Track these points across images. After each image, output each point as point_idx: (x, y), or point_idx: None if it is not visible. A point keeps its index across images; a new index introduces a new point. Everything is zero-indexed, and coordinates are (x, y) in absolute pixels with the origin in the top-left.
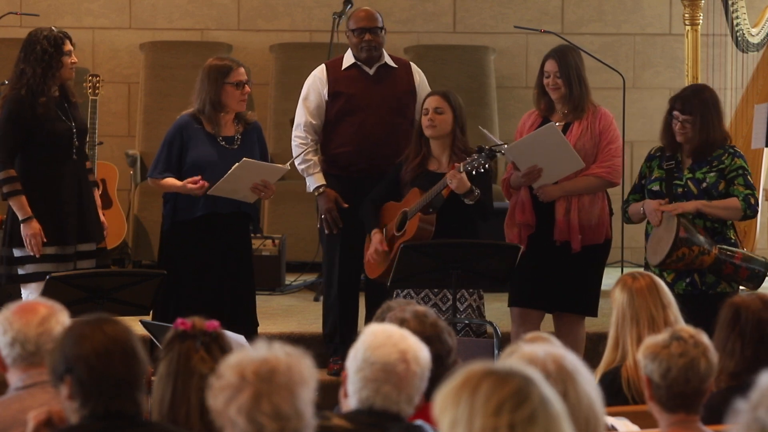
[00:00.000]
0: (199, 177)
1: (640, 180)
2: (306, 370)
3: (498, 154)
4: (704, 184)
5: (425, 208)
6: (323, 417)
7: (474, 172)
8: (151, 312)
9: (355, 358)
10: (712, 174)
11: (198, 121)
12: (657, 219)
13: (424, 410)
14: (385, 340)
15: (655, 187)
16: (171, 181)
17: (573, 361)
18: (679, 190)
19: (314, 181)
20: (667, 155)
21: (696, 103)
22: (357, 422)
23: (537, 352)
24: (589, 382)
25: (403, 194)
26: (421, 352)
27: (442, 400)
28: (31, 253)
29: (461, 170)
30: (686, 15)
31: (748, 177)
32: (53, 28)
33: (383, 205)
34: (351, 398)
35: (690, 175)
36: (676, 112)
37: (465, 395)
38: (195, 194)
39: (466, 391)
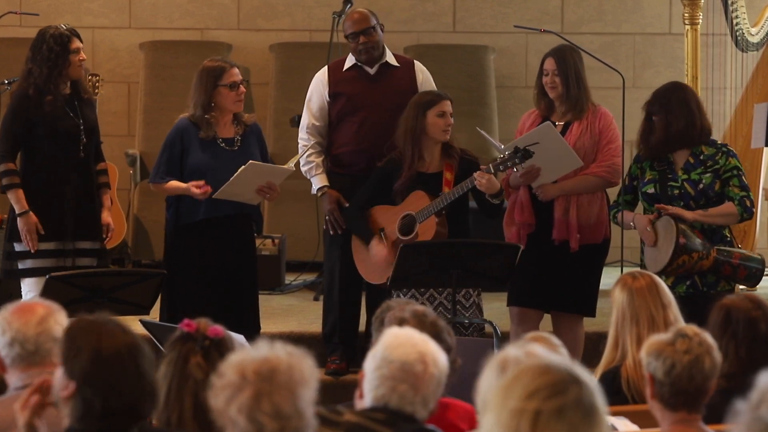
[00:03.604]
0: (202, 182)
1: (631, 181)
2: (307, 370)
3: (533, 155)
4: (701, 186)
5: (441, 210)
6: (335, 412)
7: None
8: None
9: (374, 357)
10: (707, 175)
11: (196, 125)
12: (651, 240)
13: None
14: (405, 340)
15: (650, 190)
16: (174, 183)
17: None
18: (675, 191)
19: (317, 182)
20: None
21: (659, 101)
22: (370, 419)
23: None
24: None
25: (392, 198)
26: (440, 356)
27: (494, 390)
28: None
29: (491, 170)
30: (686, 14)
31: (743, 177)
32: (61, 25)
33: (370, 209)
34: (366, 396)
35: (685, 177)
36: (653, 116)
37: (510, 382)
38: (198, 198)
39: (513, 379)
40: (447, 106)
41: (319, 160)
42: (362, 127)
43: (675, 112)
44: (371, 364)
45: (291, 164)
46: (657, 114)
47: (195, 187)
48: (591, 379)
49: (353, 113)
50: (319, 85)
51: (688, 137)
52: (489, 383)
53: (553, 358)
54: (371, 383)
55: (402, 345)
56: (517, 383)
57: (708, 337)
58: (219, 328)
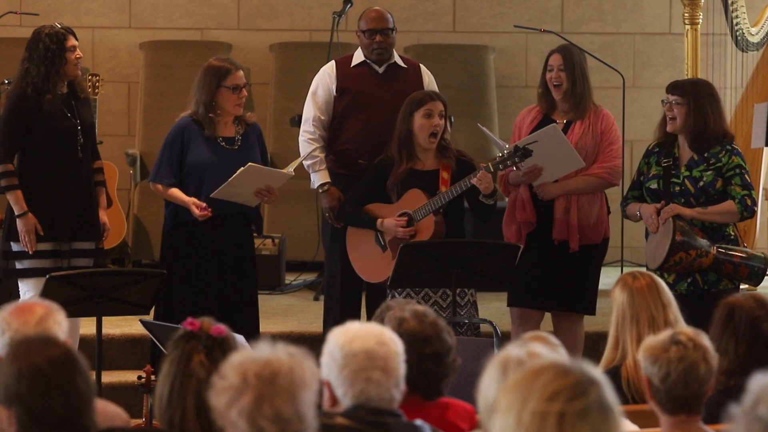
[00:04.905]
0: (205, 204)
1: (639, 176)
2: (308, 373)
3: (532, 153)
4: (701, 183)
5: (438, 208)
6: (327, 415)
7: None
8: (152, 312)
9: (333, 359)
10: (709, 172)
11: (197, 123)
12: (654, 226)
13: (421, 408)
14: (356, 332)
15: (653, 185)
16: (176, 193)
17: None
18: (677, 188)
19: (319, 178)
20: (664, 151)
21: (690, 89)
22: (358, 420)
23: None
24: None
25: (387, 197)
26: (392, 333)
27: (503, 389)
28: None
29: (491, 169)
30: (686, 14)
31: (746, 176)
32: (56, 24)
33: (366, 207)
34: (343, 399)
35: (687, 173)
36: (667, 95)
37: (525, 382)
38: (197, 218)
39: (528, 379)
40: (436, 106)
41: (323, 155)
42: (368, 125)
43: (703, 105)
44: (333, 367)
45: (291, 169)
46: (682, 98)
47: (196, 207)
48: (603, 377)
49: (360, 110)
50: (326, 78)
51: (702, 138)
52: (491, 383)
53: (563, 358)
54: (344, 385)
55: (356, 337)
56: (535, 384)
57: (704, 340)
58: (222, 327)
